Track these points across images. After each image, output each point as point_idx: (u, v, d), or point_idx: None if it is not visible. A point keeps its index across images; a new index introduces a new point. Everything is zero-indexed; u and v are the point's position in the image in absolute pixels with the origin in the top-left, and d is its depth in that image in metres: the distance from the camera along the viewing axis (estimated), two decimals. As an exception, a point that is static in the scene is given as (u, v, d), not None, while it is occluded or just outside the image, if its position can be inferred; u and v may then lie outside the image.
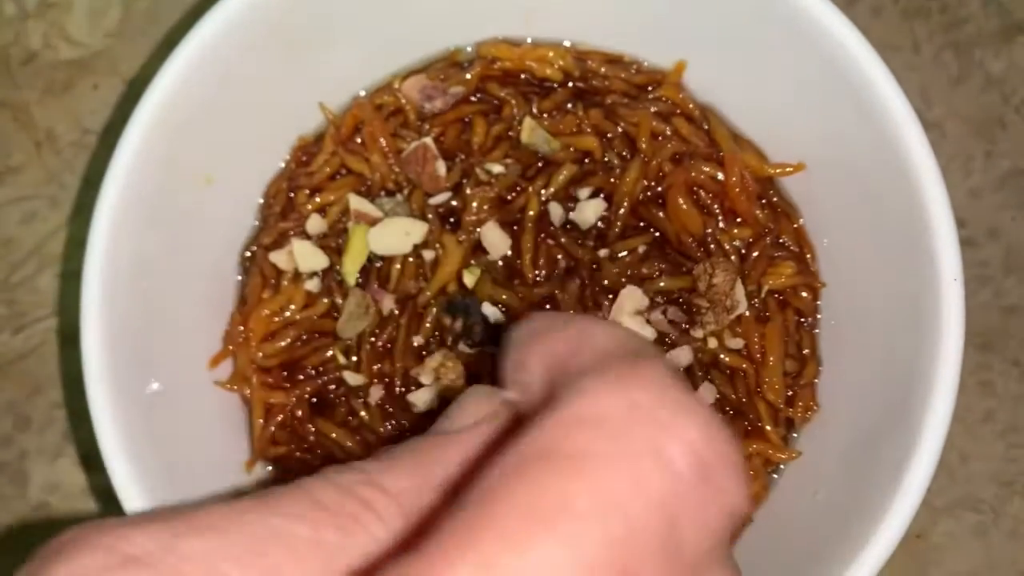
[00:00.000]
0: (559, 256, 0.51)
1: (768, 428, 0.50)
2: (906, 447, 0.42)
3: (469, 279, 0.51)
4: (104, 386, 0.44)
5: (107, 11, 0.66)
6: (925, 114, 0.63)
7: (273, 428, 0.51)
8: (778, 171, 0.53)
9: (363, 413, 0.51)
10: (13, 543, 0.58)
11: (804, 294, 0.52)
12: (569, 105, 0.54)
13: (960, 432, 0.59)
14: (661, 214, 0.52)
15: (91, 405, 0.45)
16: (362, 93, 0.55)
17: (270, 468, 0.52)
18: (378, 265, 0.52)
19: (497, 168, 0.52)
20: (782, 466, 0.51)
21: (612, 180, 0.53)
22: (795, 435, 0.52)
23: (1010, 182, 0.62)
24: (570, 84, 0.54)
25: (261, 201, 0.55)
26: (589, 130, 0.53)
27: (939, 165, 0.62)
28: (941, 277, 0.42)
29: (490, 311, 0.50)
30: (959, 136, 0.63)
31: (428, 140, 0.52)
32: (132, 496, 0.44)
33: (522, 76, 0.55)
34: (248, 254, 0.54)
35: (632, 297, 0.49)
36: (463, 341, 0.50)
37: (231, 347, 0.52)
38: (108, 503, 0.59)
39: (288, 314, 0.52)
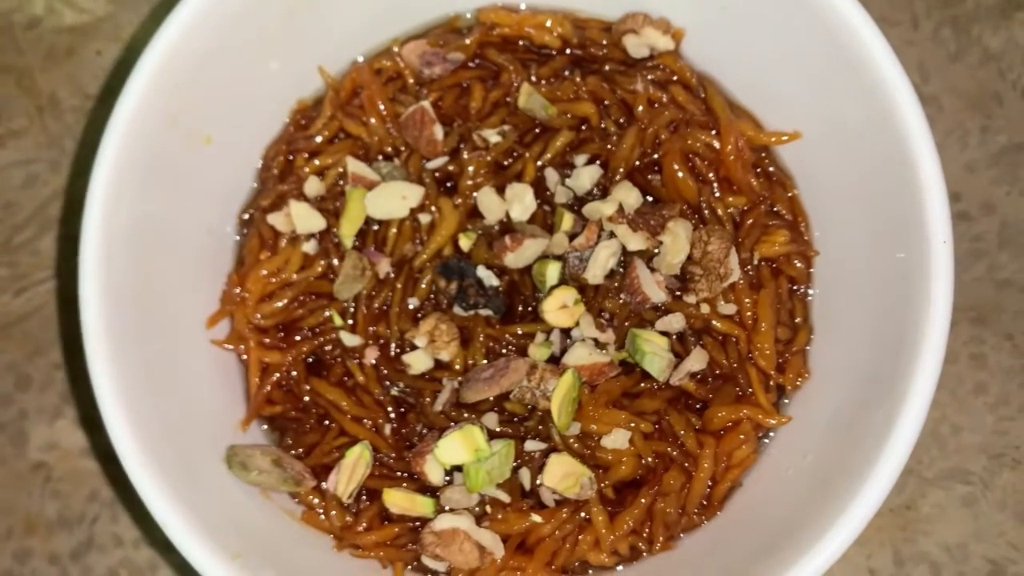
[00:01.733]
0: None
1: (759, 393, 0.50)
2: (891, 410, 0.42)
3: (465, 243, 0.51)
4: (102, 345, 0.45)
5: (110, -23, 0.67)
6: (922, 88, 0.63)
7: (269, 387, 0.52)
8: (774, 140, 0.53)
9: (359, 375, 0.51)
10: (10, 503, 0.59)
11: (797, 262, 0.52)
12: (567, 72, 0.54)
13: (951, 404, 0.59)
14: (657, 180, 0.53)
15: (89, 365, 0.45)
16: (361, 58, 0.56)
17: (265, 427, 0.53)
18: (375, 228, 0.53)
19: (494, 136, 0.52)
20: (772, 432, 0.52)
21: (609, 147, 0.53)
22: (786, 401, 0.52)
23: (1005, 157, 0.62)
24: (568, 51, 0.55)
25: (260, 164, 0.55)
26: (586, 97, 0.53)
27: (935, 140, 0.63)
28: (931, 239, 0.42)
29: (485, 274, 0.51)
30: (956, 111, 0.63)
31: (426, 104, 0.52)
32: (130, 454, 0.45)
33: (520, 43, 0.55)
34: (246, 216, 0.55)
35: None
36: (458, 304, 0.51)
37: (228, 307, 0.53)
38: (107, 463, 0.59)
39: (285, 275, 0.52)
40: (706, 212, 0.52)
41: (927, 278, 0.42)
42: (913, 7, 0.65)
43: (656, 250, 0.50)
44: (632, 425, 0.49)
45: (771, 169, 0.54)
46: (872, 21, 0.45)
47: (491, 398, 0.49)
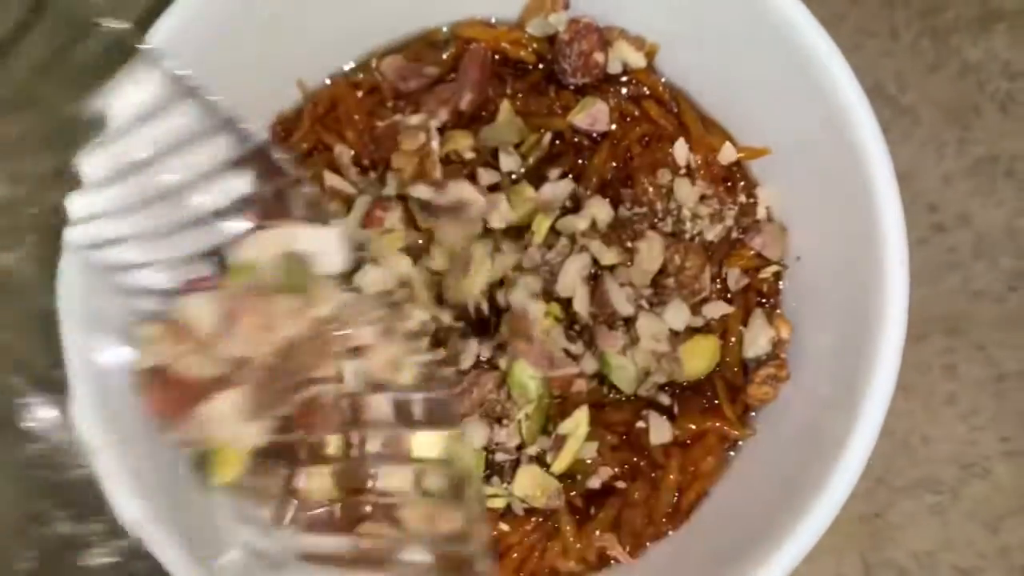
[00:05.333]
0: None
1: (725, 406, 0.51)
2: (848, 425, 0.43)
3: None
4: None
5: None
6: (900, 99, 0.63)
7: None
8: (744, 155, 0.54)
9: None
10: None
11: (766, 276, 0.53)
12: (542, 87, 0.55)
13: (923, 414, 0.60)
14: (628, 194, 0.53)
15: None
16: (339, 71, 0.57)
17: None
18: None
19: (469, 152, 0.53)
20: (740, 443, 0.53)
21: (581, 161, 0.54)
22: (753, 414, 0.53)
23: (982, 169, 0.63)
24: (541, 66, 0.55)
25: (240, 176, 0.56)
26: (560, 111, 0.54)
27: (912, 151, 0.63)
28: (887, 261, 0.43)
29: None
30: (933, 122, 0.63)
31: (398, 117, 0.53)
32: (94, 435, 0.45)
33: (496, 57, 0.56)
34: (226, 227, 0.56)
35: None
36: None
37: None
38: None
39: (264, 286, 0.54)
40: (677, 226, 0.52)
41: (883, 297, 0.43)
42: (893, 18, 0.65)
43: (629, 263, 0.51)
44: (599, 439, 0.50)
45: (741, 183, 0.54)
46: (828, 37, 0.45)
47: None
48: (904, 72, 0.64)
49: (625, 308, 0.50)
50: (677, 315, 0.50)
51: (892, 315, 0.43)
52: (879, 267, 0.43)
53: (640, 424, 0.51)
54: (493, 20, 0.56)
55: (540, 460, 0.50)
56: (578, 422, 0.49)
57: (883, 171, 0.44)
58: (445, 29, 0.57)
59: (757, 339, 0.51)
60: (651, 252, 0.50)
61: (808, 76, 0.46)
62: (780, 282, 0.54)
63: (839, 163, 0.46)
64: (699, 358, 0.50)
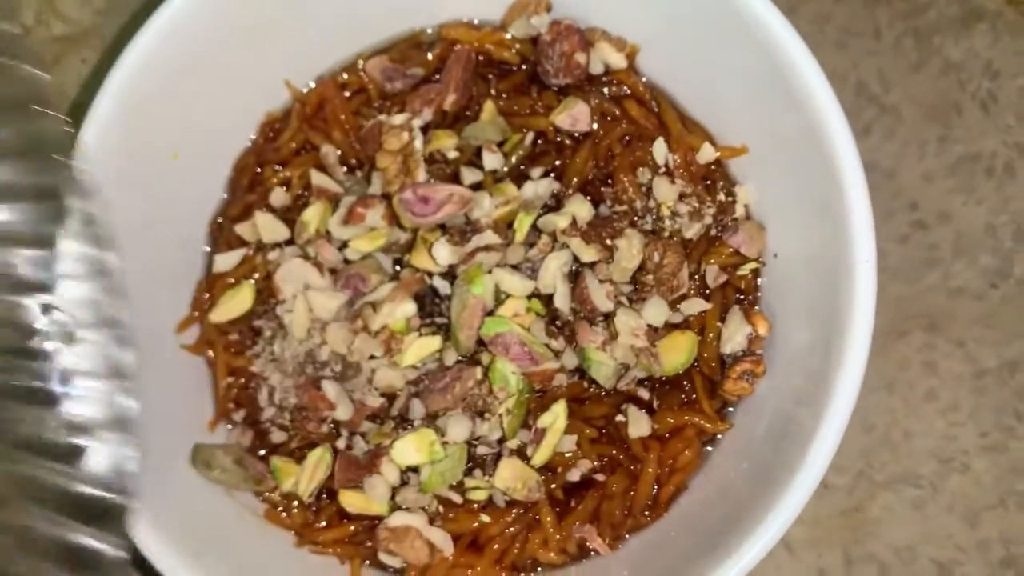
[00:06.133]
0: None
1: (703, 401, 0.52)
2: (817, 416, 0.44)
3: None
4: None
5: (96, -11, 0.69)
6: (883, 98, 0.64)
7: (235, 391, 0.55)
8: (721, 154, 0.54)
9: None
10: None
11: (744, 273, 0.54)
12: (524, 87, 0.56)
13: (903, 410, 0.61)
14: (609, 192, 0.54)
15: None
16: (327, 72, 0.58)
17: (229, 427, 0.55)
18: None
19: (452, 152, 0.54)
20: (719, 436, 0.53)
21: (564, 160, 0.55)
22: (731, 409, 0.54)
23: (962, 167, 0.63)
24: (524, 67, 0.56)
25: (230, 174, 0.57)
26: (542, 111, 0.55)
27: (895, 148, 0.64)
28: (855, 258, 0.44)
29: (441, 284, 0.53)
30: (915, 120, 0.64)
31: (382, 117, 0.54)
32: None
33: (480, 58, 0.57)
34: (216, 225, 0.57)
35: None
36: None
37: (197, 313, 0.55)
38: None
39: (253, 282, 0.55)
40: (656, 224, 0.53)
41: (852, 295, 0.44)
42: (876, 17, 0.66)
43: (609, 260, 0.52)
44: (578, 432, 0.51)
45: (720, 181, 0.55)
46: (796, 34, 0.46)
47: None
48: (887, 71, 0.65)
49: (605, 304, 0.51)
50: (656, 311, 0.51)
51: (860, 312, 0.44)
52: (848, 265, 0.44)
53: (619, 418, 0.52)
54: (477, 22, 0.57)
55: (521, 453, 0.51)
56: (556, 415, 0.50)
57: (853, 173, 0.45)
58: (430, 30, 0.58)
59: (734, 335, 0.52)
60: (630, 249, 0.51)
61: (782, 78, 0.47)
62: (758, 279, 0.54)
63: (812, 164, 0.47)
64: (677, 353, 0.51)
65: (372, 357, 0.52)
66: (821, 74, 0.46)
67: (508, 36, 0.56)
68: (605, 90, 0.56)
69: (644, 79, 0.56)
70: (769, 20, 0.47)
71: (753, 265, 0.54)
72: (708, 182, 0.55)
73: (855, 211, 0.44)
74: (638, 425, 0.51)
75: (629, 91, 0.56)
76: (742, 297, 0.54)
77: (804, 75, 0.46)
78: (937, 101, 0.64)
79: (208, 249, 0.57)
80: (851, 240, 0.44)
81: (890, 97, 0.64)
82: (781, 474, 0.45)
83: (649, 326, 0.51)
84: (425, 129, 0.55)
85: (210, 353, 0.55)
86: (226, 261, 0.55)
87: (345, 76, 0.56)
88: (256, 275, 0.55)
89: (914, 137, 0.64)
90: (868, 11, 0.66)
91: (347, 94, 0.57)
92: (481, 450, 0.51)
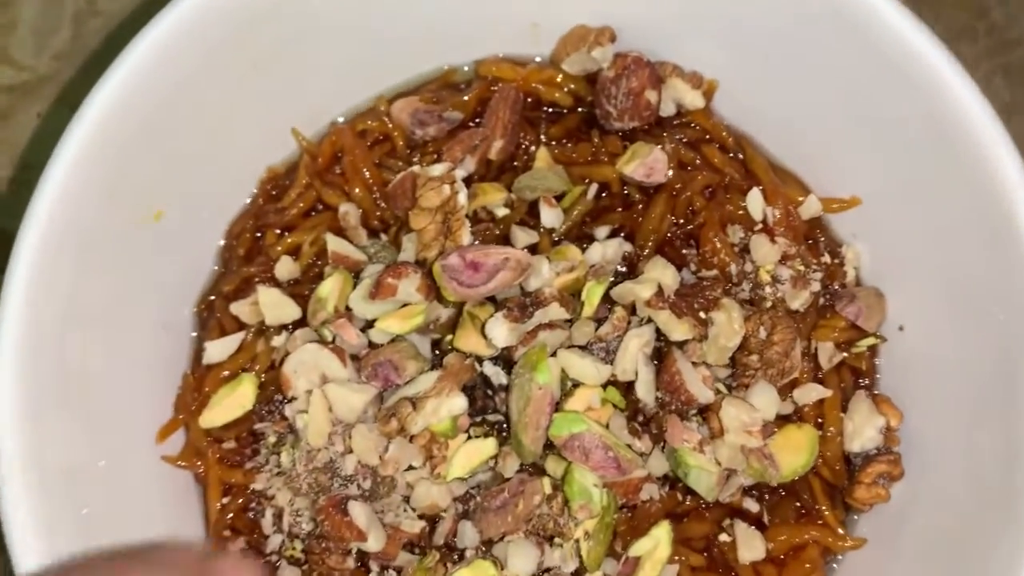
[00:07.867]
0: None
1: (825, 510, 0.42)
2: (1000, 532, 0.34)
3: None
4: (17, 475, 0.36)
5: (56, 31, 0.59)
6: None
7: (231, 514, 0.43)
8: (830, 207, 0.45)
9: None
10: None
11: (859, 350, 0.45)
12: (581, 132, 0.47)
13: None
14: (693, 255, 0.45)
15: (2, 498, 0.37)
16: (341, 118, 0.48)
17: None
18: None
19: (501, 208, 0.45)
20: (840, 556, 0.43)
21: (634, 216, 0.45)
22: (855, 517, 0.44)
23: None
24: (580, 109, 0.47)
25: (222, 242, 0.47)
26: (606, 159, 0.46)
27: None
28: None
29: (492, 371, 0.42)
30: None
31: (417, 169, 0.44)
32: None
33: (527, 99, 0.48)
34: (206, 304, 0.46)
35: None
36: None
37: (183, 416, 0.44)
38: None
39: (254, 375, 0.44)
40: (755, 292, 0.44)
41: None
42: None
43: (702, 339, 0.42)
44: (679, 558, 0.40)
45: (823, 239, 0.46)
46: (963, 70, 0.38)
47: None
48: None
49: (703, 393, 0.41)
50: (765, 400, 0.41)
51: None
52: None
53: (723, 536, 0.42)
54: (538, 58, 0.48)
55: (607, 587, 0.40)
56: (657, 541, 0.39)
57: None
58: (466, 68, 0.49)
59: (863, 429, 0.42)
60: (731, 324, 0.41)
61: (933, 120, 0.39)
62: (875, 358, 0.45)
63: (963, 210, 0.38)
64: (796, 453, 0.41)
65: (410, 468, 0.41)
66: (994, 117, 0.38)
67: (559, 73, 0.47)
68: (678, 134, 0.47)
69: (723, 120, 0.47)
70: (924, 50, 0.38)
71: (871, 341, 0.44)
72: (810, 241, 0.46)
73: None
74: (750, 546, 0.41)
75: (709, 135, 0.47)
76: (860, 381, 0.45)
77: (972, 116, 0.38)
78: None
79: (196, 334, 0.46)
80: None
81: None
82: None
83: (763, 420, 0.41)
84: (467, 182, 0.45)
85: (200, 466, 0.43)
86: (220, 349, 0.44)
87: (370, 123, 0.47)
88: (258, 366, 0.44)
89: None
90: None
91: (367, 143, 0.47)
92: (555, 583, 0.40)
